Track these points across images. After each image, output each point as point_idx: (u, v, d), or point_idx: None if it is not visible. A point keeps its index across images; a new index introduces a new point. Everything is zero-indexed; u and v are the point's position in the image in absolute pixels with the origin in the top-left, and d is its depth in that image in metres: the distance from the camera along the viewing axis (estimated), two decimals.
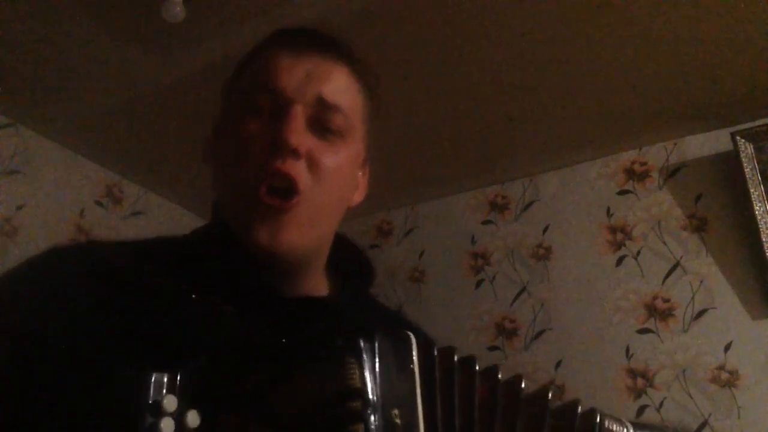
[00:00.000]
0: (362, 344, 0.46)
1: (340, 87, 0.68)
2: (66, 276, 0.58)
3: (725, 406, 1.92)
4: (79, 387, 0.50)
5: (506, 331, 2.34)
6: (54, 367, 0.51)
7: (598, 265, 2.27)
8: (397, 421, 0.45)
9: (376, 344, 0.47)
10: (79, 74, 1.99)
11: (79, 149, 2.38)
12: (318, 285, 0.71)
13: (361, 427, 0.43)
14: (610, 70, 1.96)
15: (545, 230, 2.42)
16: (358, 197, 0.75)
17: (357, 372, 0.45)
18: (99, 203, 2.45)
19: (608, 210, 2.32)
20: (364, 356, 0.46)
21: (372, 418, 0.44)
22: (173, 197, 2.69)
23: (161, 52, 1.91)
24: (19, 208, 2.17)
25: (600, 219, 2.32)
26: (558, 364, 2.19)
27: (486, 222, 2.55)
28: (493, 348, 2.32)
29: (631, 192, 2.31)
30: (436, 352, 0.52)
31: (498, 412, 0.53)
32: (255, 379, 0.46)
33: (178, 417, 0.44)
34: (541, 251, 2.40)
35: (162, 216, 2.66)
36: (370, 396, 0.44)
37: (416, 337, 0.52)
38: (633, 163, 2.33)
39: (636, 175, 2.32)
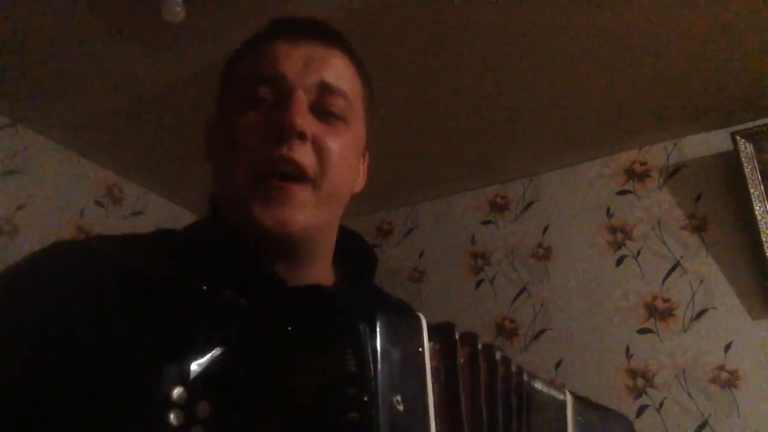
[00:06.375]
0: (361, 328, 0.44)
1: (340, 72, 0.68)
2: (67, 272, 0.57)
3: (725, 406, 1.92)
4: (86, 384, 0.50)
5: (506, 331, 2.34)
6: (57, 364, 0.51)
7: (598, 265, 2.27)
8: (399, 408, 0.43)
9: (378, 328, 0.45)
10: (79, 74, 1.99)
11: (79, 149, 2.39)
12: (323, 275, 0.70)
13: (357, 414, 0.42)
14: (610, 70, 1.96)
15: (545, 230, 2.42)
16: (359, 185, 0.75)
17: (353, 358, 0.43)
18: (99, 203, 2.45)
19: (608, 210, 2.32)
20: (364, 341, 0.44)
21: (370, 404, 0.42)
22: (173, 197, 2.69)
23: (161, 52, 1.91)
24: (19, 208, 2.17)
25: (600, 219, 2.33)
26: (558, 364, 2.19)
27: (486, 222, 2.55)
28: None
29: (631, 192, 2.31)
30: (457, 337, 0.50)
31: (514, 402, 0.53)
32: (262, 370, 0.45)
33: (188, 408, 0.43)
34: (541, 251, 2.40)
35: (162, 216, 2.66)
36: (369, 382, 0.43)
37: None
38: (633, 163, 2.33)
39: (636, 175, 2.32)
